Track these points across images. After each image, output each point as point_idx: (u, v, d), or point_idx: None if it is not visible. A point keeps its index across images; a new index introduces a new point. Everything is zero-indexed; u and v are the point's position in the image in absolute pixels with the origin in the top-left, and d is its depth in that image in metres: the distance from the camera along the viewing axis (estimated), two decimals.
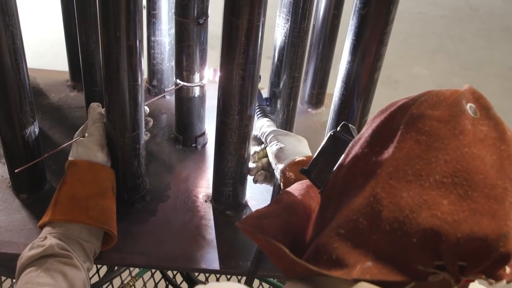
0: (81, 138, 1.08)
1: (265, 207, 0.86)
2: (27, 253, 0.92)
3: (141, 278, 1.40)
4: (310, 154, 1.12)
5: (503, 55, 4.34)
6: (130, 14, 0.93)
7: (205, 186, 1.27)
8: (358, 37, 1.05)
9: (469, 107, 0.59)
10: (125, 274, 1.45)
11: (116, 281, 1.42)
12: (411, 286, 0.56)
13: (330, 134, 0.79)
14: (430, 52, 4.29)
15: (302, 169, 0.80)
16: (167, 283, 1.45)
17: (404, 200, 0.56)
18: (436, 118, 0.58)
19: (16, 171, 1.08)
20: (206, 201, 1.22)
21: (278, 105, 1.32)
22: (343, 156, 0.69)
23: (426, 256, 0.54)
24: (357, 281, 0.56)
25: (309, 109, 1.61)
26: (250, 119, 1.07)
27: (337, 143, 0.77)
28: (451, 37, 4.58)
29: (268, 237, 0.70)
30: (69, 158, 1.07)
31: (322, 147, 0.80)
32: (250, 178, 1.20)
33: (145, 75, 1.40)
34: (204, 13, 1.19)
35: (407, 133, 0.59)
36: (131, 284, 1.33)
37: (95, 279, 1.36)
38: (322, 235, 0.64)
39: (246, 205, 1.22)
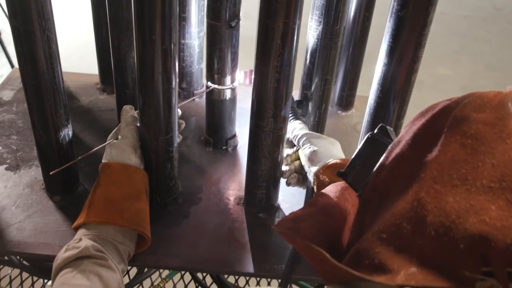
0: (114, 141, 1.08)
1: (300, 209, 0.85)
2: (62, 255, 0.92)
3: (171, 280, 1.41)
4: (343, 157, 1.11)
5: None
6: (166, 18, 0.93)
7: (236, 188, 1.27)
8: (395, 39, 1.04)
9: None
10: (155, 276, 1.46)
11: (146, 283, 1.42)
12: None
13: (368, 136, 0.77)
14: (454, 53, 4.25)
15: (339, 171, 0.78)
16: (197, 284, 1.46)
17: (450, 205, 0.55)
18: (481, 121, 0.56)
19: (51, 173, 1.08)
20: (238, 204, 1.22)
21: (310, 108, 1.31)
22: (382, 158, 0.67)
23: (474, 262, 0.53)
24: (401, 287, 0.55)
25: (339, 111, 1.60)
26: (284, 122, 1.07)
27: (375, 145, 0.75)
28: (475, 38, 4.53)
29: (307, 241, 0.69)
30: (103, 161, 1.08)
31: (360, 149, 0.78)
32: (282, 181, 1.19)
33: None
34: (236, 15, 1.19)
35: (451, 136, 0.57)
36: (161, 285, 1.33)
37: (125, 280, 1.37)
38: (363, 239, 0.63)
39: (278, 208, 1.22)
